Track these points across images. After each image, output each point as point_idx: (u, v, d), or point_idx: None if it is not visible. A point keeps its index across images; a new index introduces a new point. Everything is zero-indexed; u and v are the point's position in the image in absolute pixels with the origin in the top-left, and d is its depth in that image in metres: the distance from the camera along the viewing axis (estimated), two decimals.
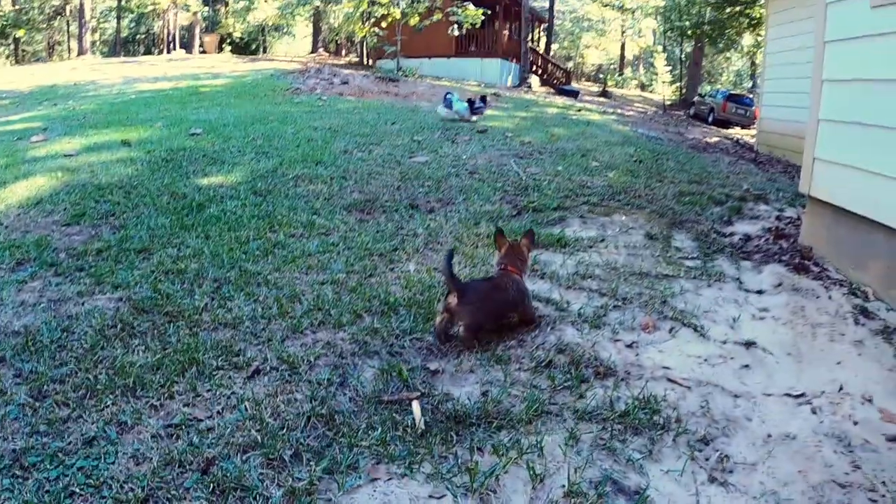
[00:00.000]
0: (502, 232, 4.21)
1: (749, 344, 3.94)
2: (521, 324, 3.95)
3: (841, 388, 3.48)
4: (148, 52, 52.20)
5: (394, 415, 3.08)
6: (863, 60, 4.95)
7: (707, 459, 2.87)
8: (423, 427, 2.97)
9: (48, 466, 2.71)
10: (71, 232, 5.62)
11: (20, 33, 44.66)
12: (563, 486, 2.64)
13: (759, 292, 4.70)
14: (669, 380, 3.50)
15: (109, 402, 3.15)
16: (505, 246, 4.10)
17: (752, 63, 47.66)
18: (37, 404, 3.14)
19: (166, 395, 3.23)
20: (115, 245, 5.23)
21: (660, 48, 41.65)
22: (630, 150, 11.00)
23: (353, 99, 17.52)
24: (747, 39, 39.82)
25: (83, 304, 4.24)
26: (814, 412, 3.27)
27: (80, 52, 41.37)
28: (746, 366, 3.71)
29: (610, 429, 3.02)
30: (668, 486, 2.68)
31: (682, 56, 41.94)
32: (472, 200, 6.76)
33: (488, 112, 13.81)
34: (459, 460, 2.78)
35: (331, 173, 7.66)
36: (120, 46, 51.70)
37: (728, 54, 50.88)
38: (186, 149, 8.84)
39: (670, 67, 38.35)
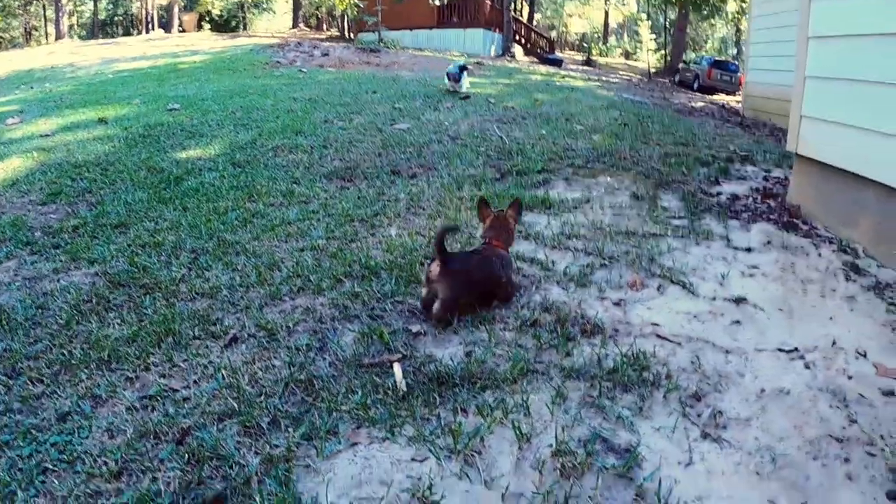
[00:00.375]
0: (486, 202, 4.02)
1: (739, 300, 3.88)
2: (499, 300, 3.75)
3: (834, 343, 3.43)
4: (127, 33, 51.70)
5: (375, 378, 3.00)
6: (849, 15, 4.85)
7: (699, 416, 2.80)
8: (405, 389, 2.89)
9: (21, 444, 2.64)
10: (47, 211, 5.51)
11: None
12: (551, 445, 2.57)
13: (748, 250, 4.64)
14: (659, 336, 3.43)
15: (84, 377, 3.07)
16: (490, 217, 3.94)
17: (737, 30, 47.49)
18: (10, 382, 3.06)
19: (142, 366, 3.15)
20: (92, 221, 5.13)
21: (644, 16, 41.40)
22: (615, 113, 10.92)
23: (333, 70, 17.35)
24: (731, 6, 39.63)
25: (59, 280, 4.15)
26: (807, 367, 3.21)
27: (58, 37, 40.88)
28: (737, 322, 3.65)
29: (598, 386, 2.95)
30: (659, 443, 2.62)
31: (667, 23, 41.80)
32: (454, 165, 6.67)
33: (471, 80, 13.67)
34: (443, 422, 2.70)
35: (311, 143, 7.56)
36: (98, 29, 51.20)
37: (713, 21, 50.74)
38: (164, 124, 8.73)
39: (655, 35, 38.23)
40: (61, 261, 4.43)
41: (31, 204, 5.69)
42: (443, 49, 29.21)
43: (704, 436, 2.68)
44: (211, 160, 6.84)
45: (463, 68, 12.59)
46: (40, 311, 3.74)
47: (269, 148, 7.29)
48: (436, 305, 3.49)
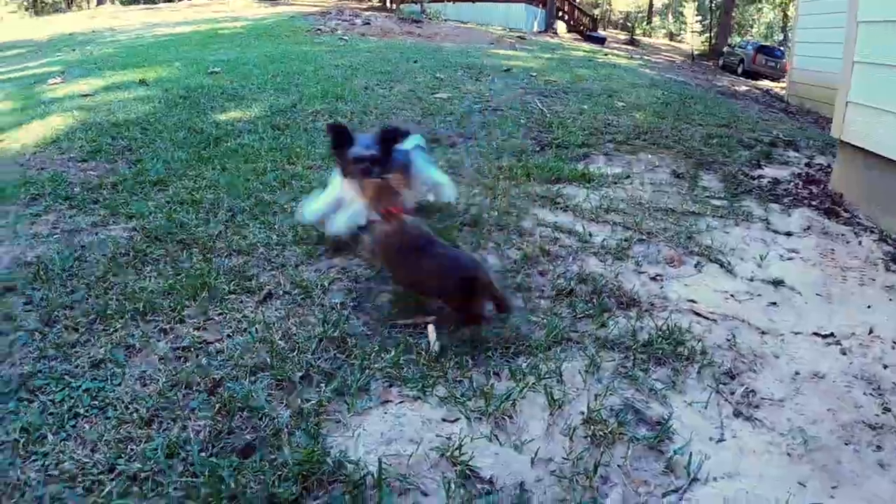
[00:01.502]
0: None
1: (777, 283, 3.84)
2: None
3: (871, 332, 3.38)
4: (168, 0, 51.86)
5: (408, 338, 3.01)
6: None
7: (733, 393, 2.79)
8: (438, 350, 2.89)
9: (54, 389, 2.67)
10: (87, 167, 5.55)
11: None
12: (583, 412, 2.57)
13: (788, 234, 4.58)
14: (695, 313, 3.41)
15: (119, 327, 3.10)
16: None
17: (784, 15, 46.69)
18: (46, 330, 3.09)
19: (176, 319, 3.17)
20: (131, 178, 5.15)
21: None
22: (657, 92, 10.80)
23: (374, 39, 17.29)
24: None
25: (97, 234, 4.19)
26: (843, 353, 3.18)
27: (100, 2, 41.02)
28: (774, 303, 3.61)
29: (632, 358, 2.94)
30: (691, 419, 2.61)
31: (713, 6, 41.11)
32: (494, 136, 6.62)
33: (511, 52, 13.54)
34: (474, 384, 2.71)
35: (351, 108, 7.55)
36: None
37: (759, 4, 49.85)
38: (204, 87, 8.75)
39: (700, 17, 37.63)
40: (100, 215, 4.47)
41: (72, 161, 5.73)
42: (485, 23, 29.00)
43: (737, 414, 2.67)
44: (250, 122, 6.85)
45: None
46: (77, 262, 3.77)
47: (308, 112, 7.29)
48: None
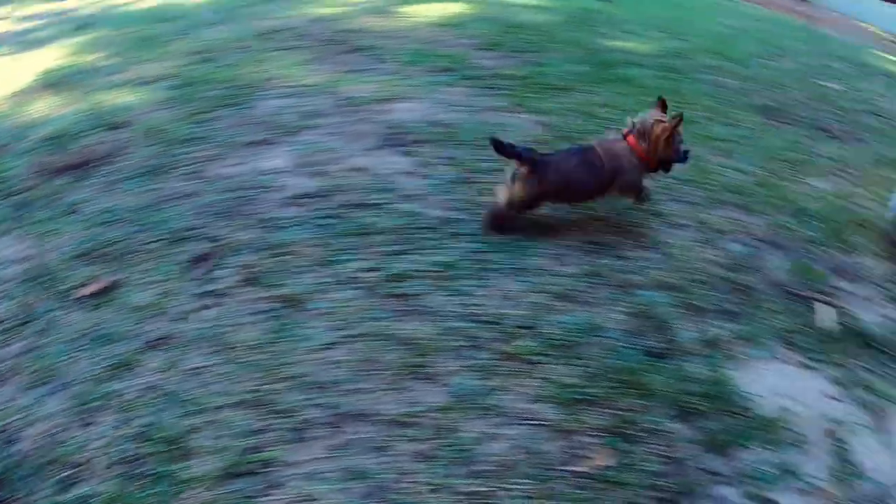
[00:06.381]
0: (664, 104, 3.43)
1: None
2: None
3: None
4: None
5: (800, 309, 3.10)
6: None
7: None
8: (831, 331, 2.97)
9: (471, 239, 3.19)
10: (487, 56, 5.93)
11: None
12: None
13: None
14: None
15: None
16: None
17: None
18: (461, 186, 3.66)
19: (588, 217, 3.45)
20: (532, 77, 5.48)
21: None
22: None
23: (757, 6, 16.59)
24: None
25: (505, 117, 4.56)
26: None
27: None
28: None
29: None
30: None
31: None
32: (886, 144, 6.23)
33: None
34: (860, 375, 2.77)
35: (739, 70, 7.38)
36: None
37: None
38: (596, 11, 8.87)
39: None
40: (506, 102, 4.83)
41: (472, 47, 6.14)
42: (860, 19, 26.63)
43: None
44: (641, 56, 6.92)
45: None
46: (481, 136, 4.07)
47: (697, 63, 7.23)
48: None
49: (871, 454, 2.38)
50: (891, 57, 13.33)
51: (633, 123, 3.32)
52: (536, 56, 6.14)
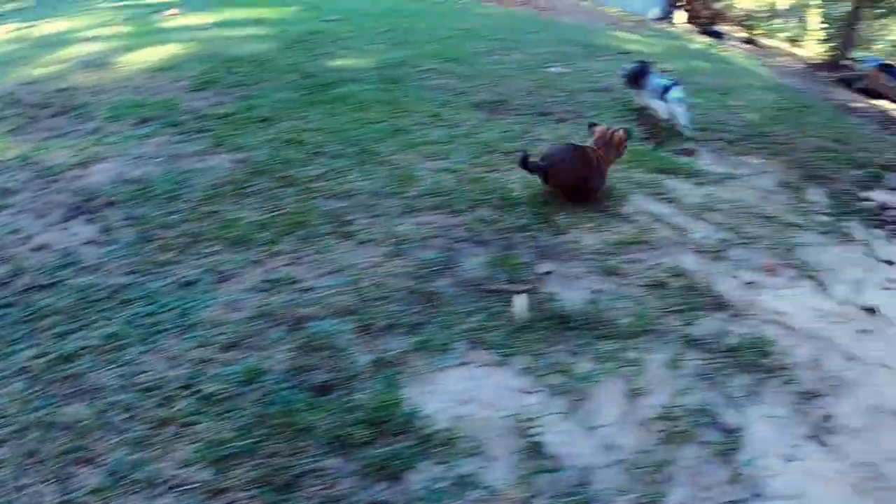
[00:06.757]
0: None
1: (871, 311, 3.66)
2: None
3: None
4: None
5: (494, 304, 3.02)
6: None
7: (810, 414, 2.69)
8: (525, 320, 2.90)
9: (142, 303, 2.80)
10: (198, 97, 5.66)
11: None
12: (659, 407, 2.54)
13: (889, 263, 4.37)
14: (784, 326, 3.29)
15: (212, 253, 3.21)
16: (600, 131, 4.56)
17: None
18: (141, 247, 3.23)
19: (269, 253, 3.26)
20: (240, 112, 5.25)
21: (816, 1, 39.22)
22: (772, 96, 10.41)
23: (491, 6, 17.14)
24: None
25: (202, 161, 4.29)
26: None
27: None
28: (865, 331, 3.45)
29: (715, 361, 2.87)
30: (764, 433, 2.54)
31: (837, 15, 39.44)
32: (604, 117, 6.49)
33: (629, 35, 13.23)
34: (554, 360, 2.70)
35: (462, 71, 7.48)
36: None
37: (886, 21, 47.63)
38: (321, 32, 8.80)
39: (826, 25, 36.06)
40: (205, 144, 4.58)
41: (184, 90, 5.85)
42: (601, 4, 28.41)
43: (811, 436, 2.58)
44: (361, 72, 6.87)
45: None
46: (179, 186, 3.89)
47: (419, 69, 7.26)
48: None
49: (568, 441, 2.32)
50: (620, 34, 14.19)
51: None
52: (249, 89, 5.93)
